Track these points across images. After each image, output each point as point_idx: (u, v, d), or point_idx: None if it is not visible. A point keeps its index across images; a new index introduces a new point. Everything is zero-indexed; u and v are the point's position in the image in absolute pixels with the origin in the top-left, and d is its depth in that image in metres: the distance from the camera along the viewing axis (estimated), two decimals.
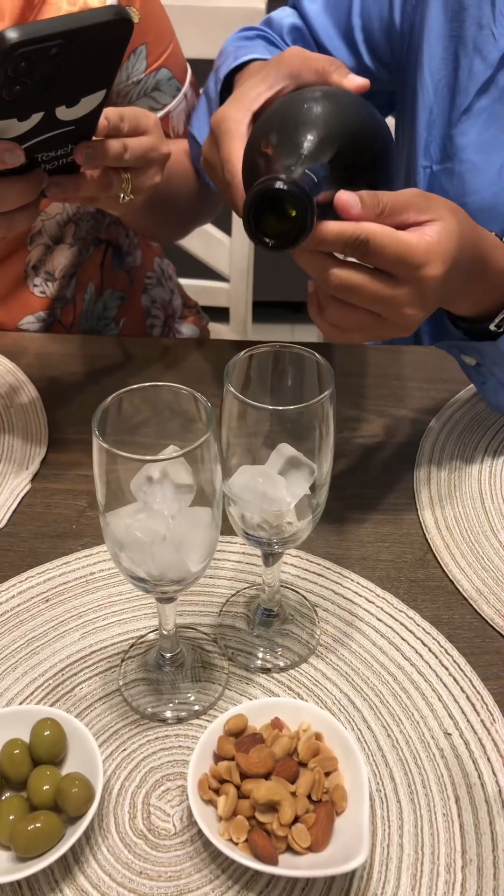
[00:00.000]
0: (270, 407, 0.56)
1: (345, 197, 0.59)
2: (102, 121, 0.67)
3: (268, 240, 0.57)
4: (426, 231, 0.61)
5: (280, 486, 0.59)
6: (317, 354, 0.58)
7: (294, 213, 0.55)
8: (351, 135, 0.61)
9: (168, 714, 0.64)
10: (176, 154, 0.93)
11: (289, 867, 0.53)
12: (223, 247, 1.46)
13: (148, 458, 0.51)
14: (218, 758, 0.59)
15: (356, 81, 0.69)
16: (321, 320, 0.65)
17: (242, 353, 0.58)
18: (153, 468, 0.54)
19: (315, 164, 0.58)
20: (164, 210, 0.96)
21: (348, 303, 0.62)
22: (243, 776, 0.57)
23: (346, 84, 0.68)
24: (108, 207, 0.75)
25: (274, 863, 0.53)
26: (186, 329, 1.19)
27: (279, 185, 0.54)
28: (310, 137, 0.59)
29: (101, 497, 0.54)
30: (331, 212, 0.59)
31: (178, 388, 0.55)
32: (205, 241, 1.47)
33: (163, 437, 0.57)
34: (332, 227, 0.59)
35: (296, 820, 0.55)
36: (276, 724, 0.60)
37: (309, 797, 0.56)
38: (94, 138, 0.68)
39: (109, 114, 0.68)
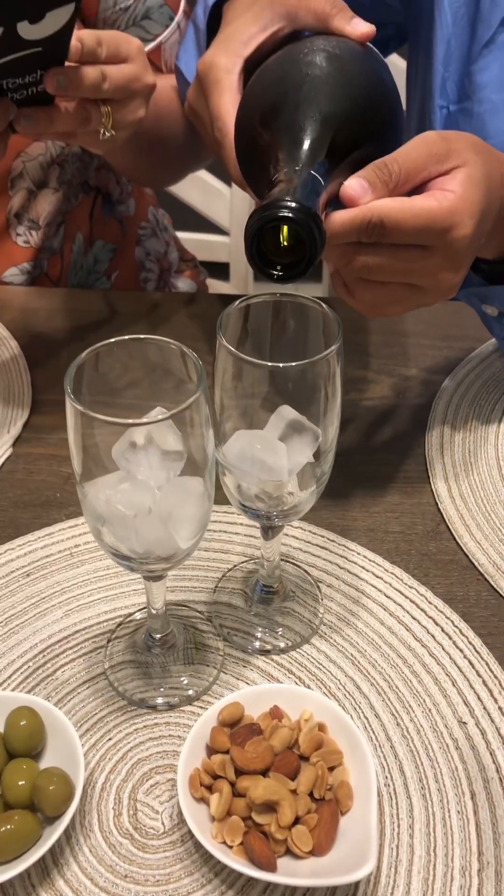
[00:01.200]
0: (270, 364, 0.49)
1: (350, 190, 0.53)
2: (75, 43, 0.60)
3: (274, 272, 0.51)
4: (448, 187, 0.55)
5: (280, 454, 0.53)
6: (323, 304, 0.52)
7: (299, 239, 0.49)
8: (359, 110, 0.55)
9: (158, 700, 0.59)
10: (166, 89, 0.86)
11: (288, 873, 0.48)
12: (223, 198, 1.39)
13: (130, 421, 0.45)
14: (211, 751, 0.53)
15: (360, 28, 0.60)
16: (351, 299, 0.59)
17: (237, 302, 0.52)
18: (137, 433, 0.48)
19: (320, 161, 0.52)
20: (152, 150, 0.89)
21: (378, 281, 0.56)
22: (238, 772, 0.52)
23: (350, 32, 0.60)
24: (87, 144, 0.68)
25: (272, 869, 0.48)
26: (183, 284, 1.13)
27: (284, 213, 0.48)
28: (313, 129, 0.53)
29: (78, 465, 0.48)
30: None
31: (164, 342, 0.49)
32: (203, 191, 1.40)
33: (149, 397, 0.51)
34: (339, 218, 0.53)
35: (296, 821, 0.50)
36: (276, 714, 0.55)
37: (311, 795, 0.51)
38: (66, 64, 0.61)
39: (84, 37, 0.61)
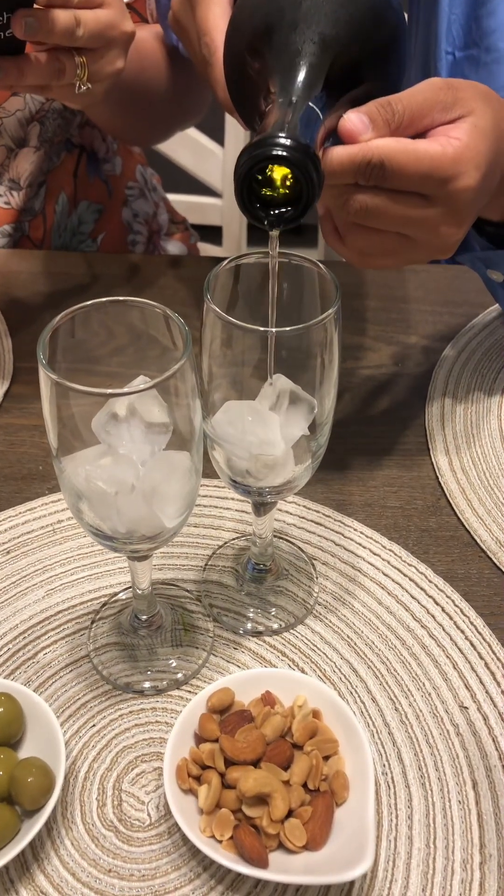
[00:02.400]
0: (262, 328, 0.46)
1: (349, 124, 0.49)
2: None
3: (266, 216, 0.45)
4: (453, 134, 0.51)
5: (273, 426, 0.49)
6: (320, 265, 0.48)
7: (295, 179, 0.44)
8: (364, 35, 0.50)
9: (144, 684, 0.56)
10: (148, 39, 0.81)
11: (281, 869, 0.46)
12: (215, 158, 1.34)
13: (109, 391, 0.42)
14: (200, 739, 0.51)
15: None
16: (341, 246, 0.55)
17: (226, 262, 0.48)
18: (119, 404, 0.44)
19: (318, 92, 0.47)
20: (135, 106, 0.84)
21: (373, 228, 0.52)
22: (228, 762, 0.49)
23: None
24: (62, 99, 0.64)
25: (263, 865, 0.46)
26: (173, 247, 1.08)
27: (278, 151, 0.43)
28: (312, 53, 0.47)
29: (54, 439, 0.45)
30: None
31: (147, 305, 0.45)
32: (195, 151, 1.34)
33: (133, 365, 0.47)
34: (338, 154, 0.48)
35: (289, 814, 0.47)
36: (268, 700, 0.52)
37: (304, 786, 0.49)
38: (36, 6, 0.56)
39: None
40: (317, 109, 0.46)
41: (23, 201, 0.87)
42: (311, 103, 0.45)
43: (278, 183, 0.44)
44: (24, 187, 0.85)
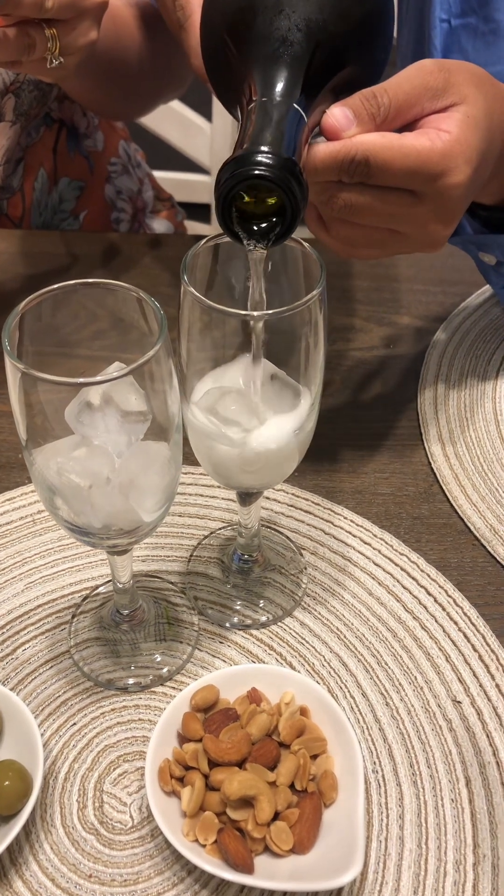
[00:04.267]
0: (243, 311, 0.43)
1: (332, 120, 0.46)
2: None
3: (248, 241, 0.43)
4: (443, 126, 0.48)
5: (257, 413, 0.47)
6: (304, 243, 0.46)
7: (278, 199, 0.42)
8: (348, 12, 0.46)
9: (127, 681, 0.54)
10: (123, 8, 0.77)
11: (267, 875, 0.44)
12: (203, 134, 1.30)
13: (80, 380, 0.39)
14: (183, 739, 0.49)
15: None
16: (325, 235, 0.52)
17: (205, 240, 0.45)
18: (93, 392, 0.42)
19: (302, 89, 0.44)
20: (112, 79, 0.81)
21: (359, 223, 0.50)
22: (212, 763, 0.47)
23: None
24: (35, 73, 0.61)
25: (248, 870, 0.44)
26: (159, 225, 1.05)
27: (261, 170, 0.40)
28: (297, 42, 0.44)
29: (23, 430, 0.42)
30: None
31: (120, 287, 0.42)
32: (181, 126, 1.31)
33: (113, 349, 0.45)
34: (320, 152, 0.46)
35: (275, 816, 0.46)
36: (254, 697, 0.50)
37: (292, 787, 0.47)
38: None
39: None
40: (300, 109, 0.43)
41: (0, 179, 0.84)
42: (294, 104, 0.43)
43: (262, 201, 0.42)
44: (2, 163, 0.82)
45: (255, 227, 0.42)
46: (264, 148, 0.40)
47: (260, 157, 0.40)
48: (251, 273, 0.44)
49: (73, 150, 0.91)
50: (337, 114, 0.46)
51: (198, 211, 1.35)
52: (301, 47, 0.44)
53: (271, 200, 0.42)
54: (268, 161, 0.40)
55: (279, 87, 0.43)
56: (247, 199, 0.42)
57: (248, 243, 0.43)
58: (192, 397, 0.47)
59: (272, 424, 0.48)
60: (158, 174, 1.16)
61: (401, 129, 0.49)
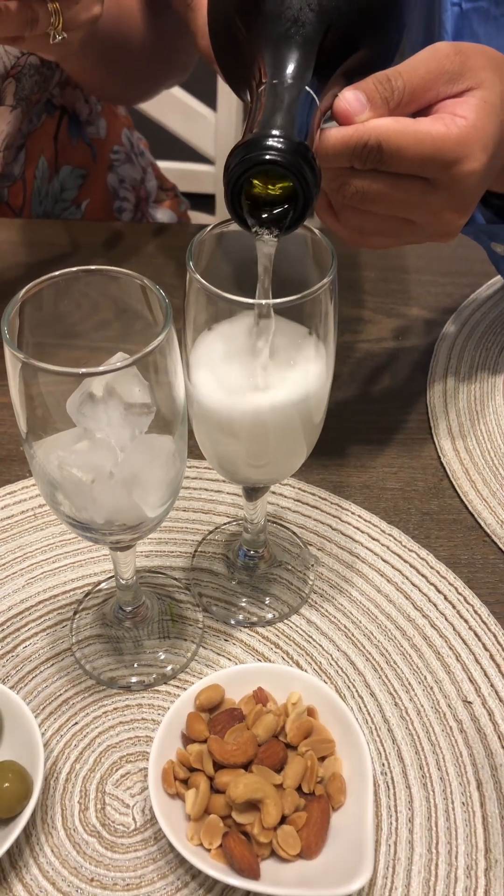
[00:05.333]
0: (250, 300, 0.42)
1: (345, 104, 0.44)
2: None
3: (258, 230, 0.41)
4: (459, 111, 0.47)
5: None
6: (315, 230, 0.44)
7: (290, 183, 0.40)
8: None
9: (130, 679, 0.53)
10: None
11: (273, 880, 0.43)
12: (207, 123, 1.29)
13: (82, 370, 0.38)
14: (187, 740, 0.48)
15: None
16: (335, 223, 0.51)
17: (211, 227, 0.44)
18: (96, 383, 0.41)
19: (314, 72, 0.42)
20: (115, 59, 0.79)
21: (370, 211, 0.48)
22: (217, 765, 0.46)
23: None
24: (37, 49, 0.59)
25: (254, 876, 0.43)
26: (162, 215, 1.04)
27: (272, 155, 0.39)
28: (309, 24, 0.43)
29: (23, 423, 0.41)
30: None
31: (124, 275, 0.41)
32: (185, 116, 1.29)
33: (117, 339, 0.43)
34: (331, 137, 0.44)
35: (282, 820, 0.44)
36: (260, 697, 0.49)
37: (299, 790, 0.46)
38: None
39: None
40: (311, 92, 0.42)
41: (1, 166, 0.82)
42: (306, 87, 0.41)
43: (273, 185, 0.40)
44: (2, 150, 0.80)
45: (265, 215, 0.41)
46: (275, 132, 0.39)
47: (271, 142, 0.39)
48: (259, 264, 0.43)
49: (75, 137, 0.89)
50: (349, 97, 0.45)
51: (202, 201, 1.33)
52: (313, 28, 0.43)
53: (282, 186, 0.40)
54: (279, 145, 0.39)
55: (290, 68, 0.42)
56: (257, 185, 0.40)
57: (257, 231, 0.41)
58: (198, 388, 0.46)
59: (280, 388, 0.45)
60: (162, 164, 1.15)
61: (415, 114, 0.47)
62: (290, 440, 0.48)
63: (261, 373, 0.44)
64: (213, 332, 0.45)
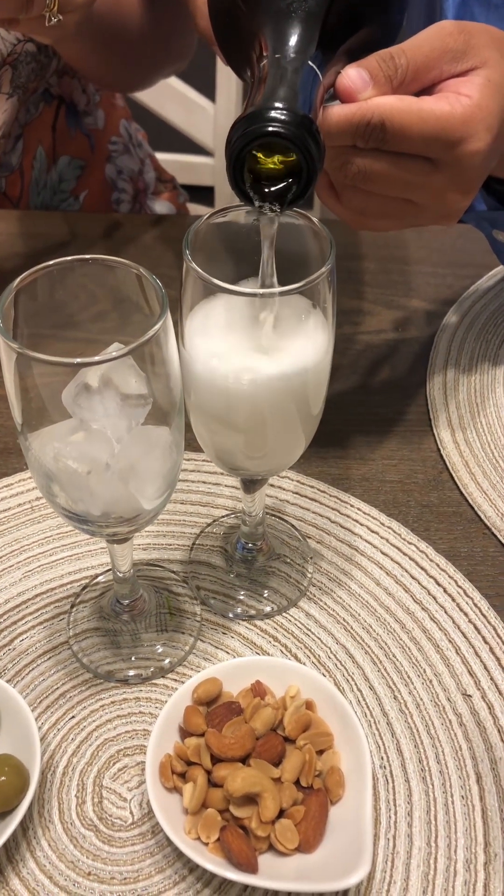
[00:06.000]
0: (248, 290, 0.41)
1: (347, 81, 0.44)
2: None
3: (261, 202, 0.41)
4: (463, 90, 0.46)
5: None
6: (313, 219, 0.44)
7: (294, 157, 0.39)
8: None
9: (127, 672, 0.53)
10: None
11: (271, 874, 0.43)
12: (206, 115, 1.28)
13: (77, 360, 0.37)
14: (185, 733, 0.47)
15: None
16: (336, 204, 0.50)
17: (208, 215, 0.43)
18: (91, 374, 0.40)
19: (316, 46, 0.42)
20: (111, 43, 0.78)
21: (373, 192, 0.48)
22: (215, 759, 0.45)
23: None
24: (32, 32, 0.59)
25: (252, 869, 0.42)
26: (160, 207, 1.03)
27: (275, 126, 0.38)
28: (308, 1, 0.42)
29: (18, 414, 0.40)
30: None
31: (119, 264, 0.40)
32: (184, 107, 1.28)
33: (113, 330, 0.43)
34: (334, 114, 0.44)
35: (280, 814, 0.44)
36: (258, 690, 0.49)
37: (297, 783, 0.45)
38: None
39: None
40: (314, 67, 0.41)
41: None
42: (309, 61, 0.41)
43: (275, 158, 0.40)
44: (0, 140, 0.80)
45: (268, 190, 0.40)
46: (279, 104, 0.38)
47: (274, 114, 0.38)
48: (262, 238, 0.42)
49: (73, 127, 0.88)
50: (352, 74, 0.44)
51: (200, 193, 1.32)
52: (316, 2, 0.42)
53: (284, 160, 0.40)
54: (283, 117, 0.38)
55: (293, 42, 0.41)
56: (259, 158, 0.40)
57: (259, 206, 0.41)
58: (195, 379, 0.45)
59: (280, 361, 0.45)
60: (160, 156, 1.14)
61: (419, 93, 0.47)
62: (289, 419, 0.47)
63: (263, 338, 0.43)
64: (212, 301, 0.44)
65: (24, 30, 0.58)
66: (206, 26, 0.51)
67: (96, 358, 0.38)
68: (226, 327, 0.43)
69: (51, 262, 0.40)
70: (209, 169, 1.35)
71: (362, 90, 0.45)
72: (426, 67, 0.46)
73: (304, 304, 0.44)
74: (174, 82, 1.25)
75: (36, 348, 0.38)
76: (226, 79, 1.21)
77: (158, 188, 1.04)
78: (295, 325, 0.43)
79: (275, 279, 0.43)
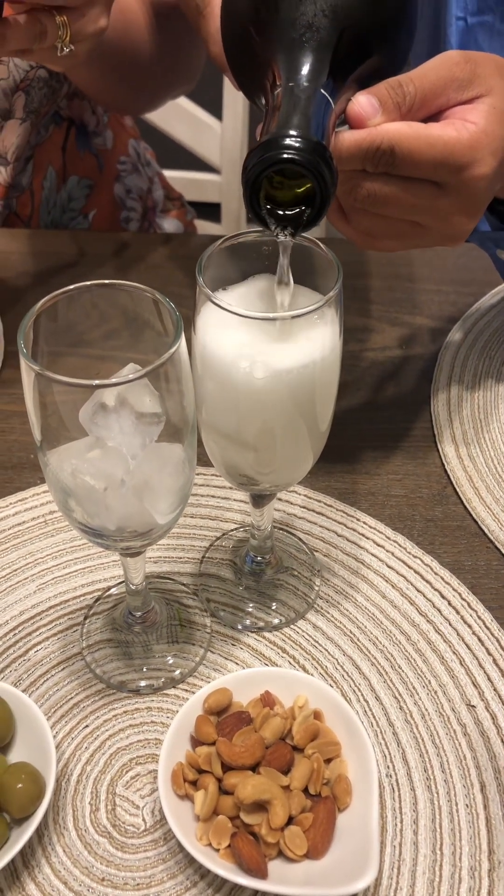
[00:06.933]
0: (258, 314, 0.43)
1: (358, 108, 0.46)
2: None
3: (278, 226, 0.42)
4: (469, 117, 0.48)
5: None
6: (320, 244, 0.45)
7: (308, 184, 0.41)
8: (378, 6, 0.46)
9: (139, 683, 0.54)
10: (135, 0, 0.77)
11: (280, 880, 0.44)
12: (213, 133, 1.30)
13: (95, 382, 0.39)
14: (196, 742, 0.49)
15: None
16: (345, 226, 0.52)
17: (220, 241, 0.45)
18: (107, 393, 0.42)
19: (328, 74, 0.44)
20: (121, 70, 0.80)
21: (381, 214, 0.49)
22: (226, 767, 0.47)
23: None
24: (44, 61, 0.61)
25: (262, 875, 0.44)
26: (169, 225, 1.05)
27: (290, 154, 0.40)
28: (323, 29, 0.44)
29: (38, 432, 0.42)
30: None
31: (135, 288, 0.42)
32: (191, 125, 1.30)
33: (126, 348, 0.45)
34: (345, 140, 0.46)
35: (289, 821, 0.45)
36: (267, 700, 0.50)
37: (305, 791, 0.47)
38: None
39: None
40: (326, 95, 0.43)
41: (10, 176, 0.83)
42: (321, 89, 0.42)
43: (290, 183, 0.42)
44: (12, 162, 0.82)
45: (283, 214, 0.42)
46: (293, 131, 0.40)
47: (289, 141, 0.40)
48: (280, 254, 0.44)
49: (82, 148, 0.90)
50: (362, 101, 0.46)
51: (208, 210, 1.34)
52: (327, 32, 0.44)
53: (298, 185, 0.41)
54: (297, 144, 0.40)
55: (305, 71, 0.43)
56: (275, 184, 0.41)
57: (275, 229, 0.42)
58: (206, 398, 0.46)
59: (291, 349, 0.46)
60: (168, 173, 1.16)
61: (426, 120, 0.49)
62: (297, 434, 0.47)
63: (277, 326, 0.45)
64: (226, 294, 0.45)
65: (36, 59, 0.60)
66: (219, 53, 0.53)
67: (113, 379, 0.40)
68: (240, 319, 0.45)
69: (71, 287, 0.42)
70: (216, 186, 1.37)
71: (372, 116, 0.46)
72: (433, 95, 0.48)
73: (317, 298, 0.45)
74: (182, 101, 1.27)
75: (54, 367, 0.39)
76: (232, 98, 1.23)
77: (167, 206, 1.06)
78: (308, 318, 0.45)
79: (291, 285, 0.45)
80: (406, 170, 0.47)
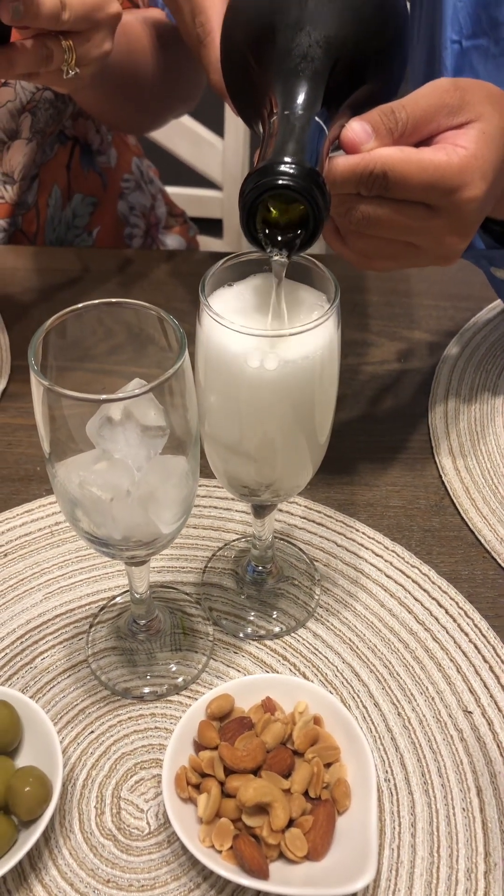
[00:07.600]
0: (257, 331, 0.44)
1: (351, 134, 0.48)
2: None
3: (273, 249, 0.44)
4: (460, 142, 0.50)
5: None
6: (317, 262, 0.47)
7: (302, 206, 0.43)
8: (367, 29, 0.48)
9: (143, 689, 0.55)
10: (136, 23, 0.79)
11: (281, 880, 0.45)
12: (215, 150, 1.32)
13: (103, 397, 0.40)
14: (199, 747, 0.50)
15: None
16: (342, 247, 0.54)
17: (223, 261, 0.47)
18: (114, 407, 0.43)
19: (323, 102, 0.46)
20: (125, 91, 0.82)
21: (376, 235, 0.51)
22: (228, 771, 0.48)
23: None
24: (50, 84, 0.63)
25: (264, 876, 0.45)
26: (171, 241, 1.07)
27: (284, 180, 0.42)
28: (317, 59, 0.46)
29: (47, 444, 0.44)
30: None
31: (140, 306, 0.44)
32: (193, 142, 1.33)
33: (131, 363, 0.46)
34: (339, 164, 0.47)
35: (290, 823, 0.46)
36: (268, 706, 0.51)
37: (306, 794, 0.48)
38: None
39: None
40: (321, 122, 0.45)
41: (17, 195, 0.85)
42: (315, 117, 0.44)
43: (285, 208, 0.43)
44: (18, 180, 0.84)
45: (278, 237, 0.43)
46: (288, 158, 0.42)
47: (284, 168, 0.41)
48: (274, 278, 0.45)
49: (86, 166, 0.92)
50: (356, 128, 0.48)
51: (210, 226, 1.36)
52: (321, 63, 0.46)
53: (293, 210, 0.43)
54: (291, 171, 0.41)
55: (300, 100, 0.45)
56: (270, 208, 0.43)
57: (271, 251, 0.44)
58: (209, 412, 0.48)
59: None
60: (171, 190, 1.18)
61: (417, 145, 0.50)
62: (297, 445, 0.49)
63: (275, 320, 0.46)
64: (225, 291, 0.47)
65: (43, 82, 0.62)
66: (218, 81, 0.55)
67: (119, 394, 0.41)
68: (242, 312, 0.46)
69: (79, 305, 0.43)
70: (218, 202, 1.39)
71: (365, 142, 0.48)
72: (424, 121, 0.50)
73: (318, 295, 0.47)
74: (184, 119, 1.29)
75: (61, 380, 0.41)
76: (233, 116, 1.25)
77: (169, 222, 1.08)
78: (308, 313, 0.46)
79: (285, 315, 0.47)
80: (399, 193, 0.49)
